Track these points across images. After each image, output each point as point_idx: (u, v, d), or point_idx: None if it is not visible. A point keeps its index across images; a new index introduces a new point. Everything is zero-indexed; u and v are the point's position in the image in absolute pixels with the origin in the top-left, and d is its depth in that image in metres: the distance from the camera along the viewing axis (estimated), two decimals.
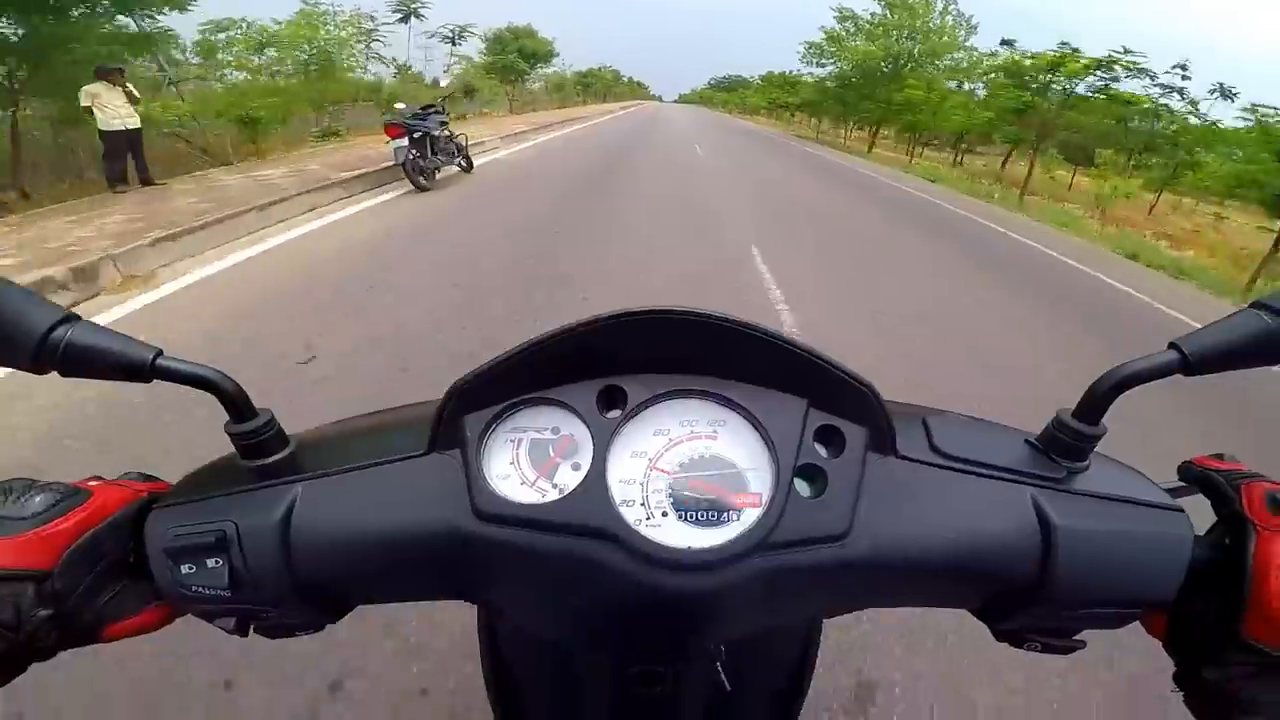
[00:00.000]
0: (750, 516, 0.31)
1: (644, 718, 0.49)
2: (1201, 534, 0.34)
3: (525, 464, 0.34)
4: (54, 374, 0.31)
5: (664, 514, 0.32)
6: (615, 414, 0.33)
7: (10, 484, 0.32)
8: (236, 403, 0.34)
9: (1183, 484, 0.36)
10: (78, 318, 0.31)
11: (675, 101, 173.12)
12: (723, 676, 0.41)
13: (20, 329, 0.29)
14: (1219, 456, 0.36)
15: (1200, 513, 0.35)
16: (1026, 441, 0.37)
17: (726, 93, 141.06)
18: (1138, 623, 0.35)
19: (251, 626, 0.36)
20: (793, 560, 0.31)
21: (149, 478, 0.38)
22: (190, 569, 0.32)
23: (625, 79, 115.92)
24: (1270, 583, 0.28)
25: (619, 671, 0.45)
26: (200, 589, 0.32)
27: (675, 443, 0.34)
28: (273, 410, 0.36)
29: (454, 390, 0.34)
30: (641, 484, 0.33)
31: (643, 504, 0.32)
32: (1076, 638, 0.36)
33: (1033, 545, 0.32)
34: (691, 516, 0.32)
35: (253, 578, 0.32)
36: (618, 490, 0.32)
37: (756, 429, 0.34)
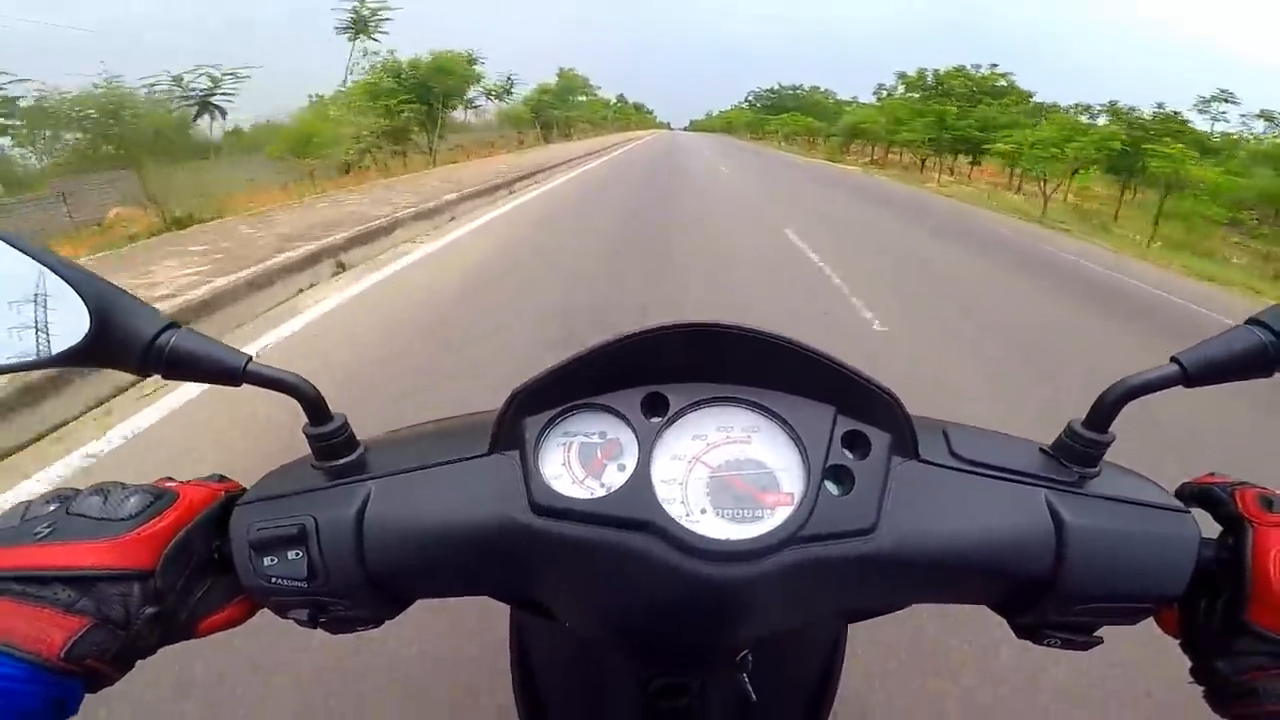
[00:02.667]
0: (783, 513, 0.34)
1: None
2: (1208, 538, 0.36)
3: (576, 465, 0.36)
4: None
5: (703, 510, 0.34)
6: (658, 419, 0.36)
7: (105, 487, 0.34)
8: (315, 406, 0.37)
9: (1182, 503, 0.37)
10: (179, 325, 0.34)
11: (686, 130, 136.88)
12: (749, 686, 0.43)
13: (129, 336, 0.32)
14: (1210, 475, 0.38)
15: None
16: (1041, 450, 0.39)
17: (797, 116, 58.88)
18: (1155, 622, 0.37)
19: (320, 621, 0.38)
20: (823, 553, 0.33)
21: (223, 478, 0.40)
22: (272, 560, 0.35)
23: (614, 102, 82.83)
24: (1270, 571, 0.31)
25: (646, 682, 0.45)
26: (280, 580, 0.35)
27: (713, 446, 0.36)
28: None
29: (515, 393, 0.37)
30: (681, 484, 0.35)
31: (682, 502, 0.34)
32: (1095, 634, 0.37)
33: (1047, 542, 0.35)
34: (728, 514, 0.34)
35: (329, 569, 0.35)
36: (660, 488, 0.34)
37: (788, 433, 0.36)
